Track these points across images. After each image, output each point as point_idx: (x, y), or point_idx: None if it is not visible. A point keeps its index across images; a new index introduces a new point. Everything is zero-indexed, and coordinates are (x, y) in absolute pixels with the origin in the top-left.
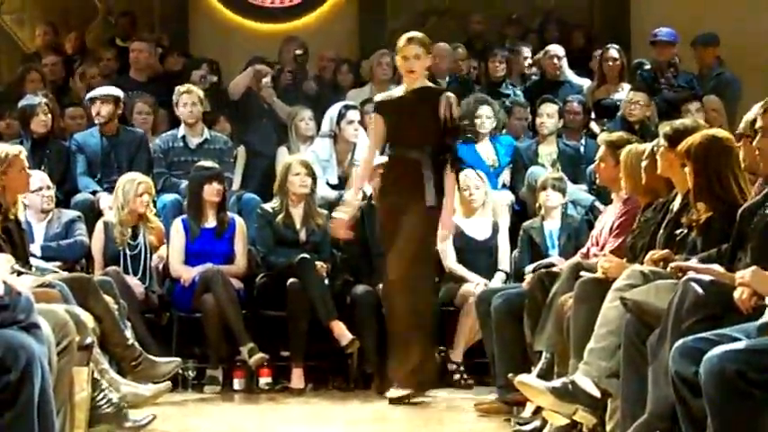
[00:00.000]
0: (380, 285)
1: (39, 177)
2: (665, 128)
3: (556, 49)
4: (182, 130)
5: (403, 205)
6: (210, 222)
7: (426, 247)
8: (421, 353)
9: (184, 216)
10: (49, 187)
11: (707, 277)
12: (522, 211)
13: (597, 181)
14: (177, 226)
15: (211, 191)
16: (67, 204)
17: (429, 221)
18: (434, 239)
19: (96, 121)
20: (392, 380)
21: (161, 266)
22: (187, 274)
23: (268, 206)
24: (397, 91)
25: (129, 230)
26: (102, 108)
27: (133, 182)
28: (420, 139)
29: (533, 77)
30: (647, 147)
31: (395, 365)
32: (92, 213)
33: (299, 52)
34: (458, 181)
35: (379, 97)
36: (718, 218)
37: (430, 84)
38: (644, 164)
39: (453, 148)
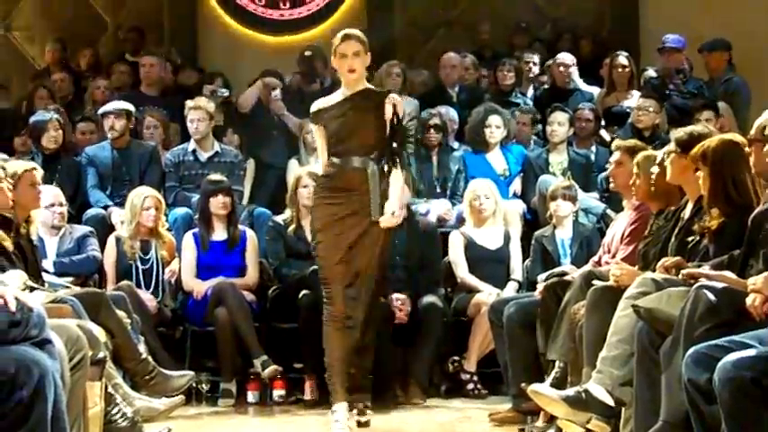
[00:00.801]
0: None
1: (51, 193)
2: (677, 134)
3: (565, 57)
4: (192, 144)
5: (345, 218)
6: (221, 235)
7: (381, 269)
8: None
9: (196, 230)
10: (61, 204)
11: (719, 284)
12: (533, 219)
13: (611, 186)
14: (188, 240)
15: (217, 204)
16: (79, 220)
17: (377, 238)
18: (386, 256)
19: (110, 136)
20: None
21: (173, 280)
22: (199, 287)
23: (279, 218)
24: (335, 96)
25: (139, 244)
26: (116, 122)
27: (140, 196)
28: (364, 147)
29: (543, 86)
30: (660, 153)
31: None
32: (104, 228)
33: (307, 53)
34: (408, 182)
35: (316, 106)
36: (731, 223)
37: (370, 86)
38: (654, 170)
39: (400, 152)
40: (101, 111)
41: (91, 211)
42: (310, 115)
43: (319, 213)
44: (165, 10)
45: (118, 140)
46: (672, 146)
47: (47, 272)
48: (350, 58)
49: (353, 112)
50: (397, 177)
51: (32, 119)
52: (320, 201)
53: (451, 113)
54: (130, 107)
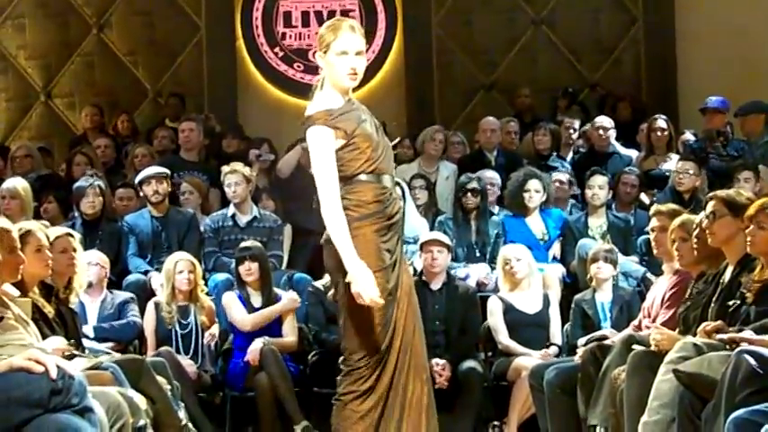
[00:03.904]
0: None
1: (95, 255)
2: (727, 197)
3: (603, 120)
4: (231, 209)
5: (396, 263)
6: (256, 301)
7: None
8: None
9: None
10: (102, 266)
11: (760, 349)
12: (573, 283)
13: (655, 253)
14: (231, 295)
15: (244, 270)
16: (120, 285)
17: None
18: None
19: (153, 200)
20: None
21: (213, 345)
22: (254, 347)
23: (319, 284)
24: (339, 99)
25: (175, 308)
26: (159, 186)
27: (173, 260)
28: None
29: (581, 150)
30: (699, 216)
31: None
32: (144, 294)
33: None
34: None
35: (328, 104)
36: None
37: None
38: (695, 233)
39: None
40: (138, 178)
41: (131, 277)
42: (315, 118)
43: (378, 256)
44: (205, 77)
45: (158, 207)
46: (714, 209)
47: (87, 337)
48: (351, 58)
49: (376, 122)
50: None
51: (75, 184)
52: (375, 238)
53: (494, 177)
54: (167, 171)
